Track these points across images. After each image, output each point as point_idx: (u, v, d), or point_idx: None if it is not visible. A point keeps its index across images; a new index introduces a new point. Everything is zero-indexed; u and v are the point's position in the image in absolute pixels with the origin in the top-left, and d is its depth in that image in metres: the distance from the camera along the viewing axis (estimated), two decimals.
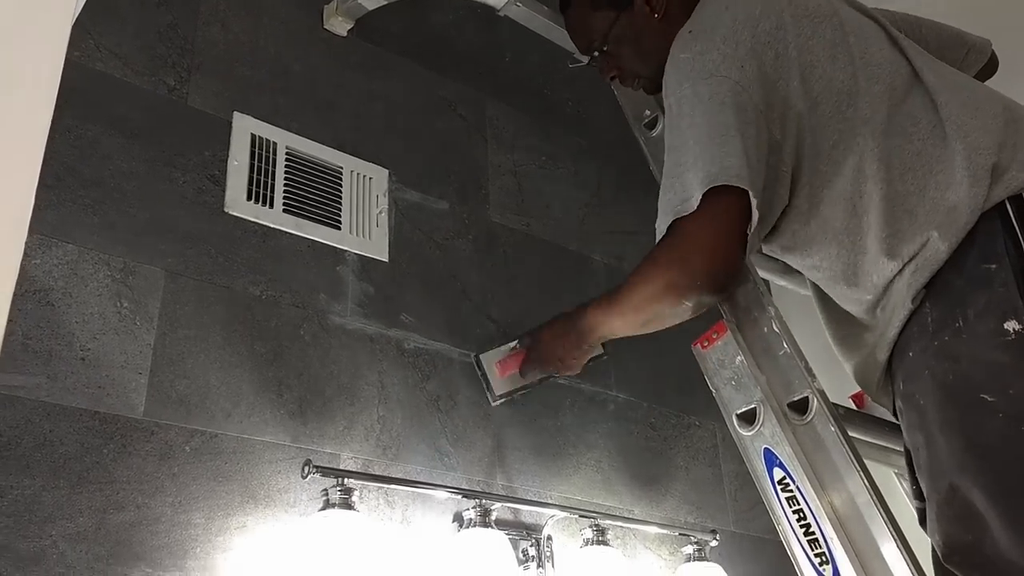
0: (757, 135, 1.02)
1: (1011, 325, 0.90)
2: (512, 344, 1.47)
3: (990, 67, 1.32)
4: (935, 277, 0.98)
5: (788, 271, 1.26)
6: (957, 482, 0.90)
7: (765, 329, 1.11)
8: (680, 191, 1.02)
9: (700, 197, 0.99)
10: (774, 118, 1.04)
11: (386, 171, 1.61)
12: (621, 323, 1.16)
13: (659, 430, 1.77)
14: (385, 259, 1.53)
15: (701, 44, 1.06)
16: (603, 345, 1.35)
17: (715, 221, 1.00)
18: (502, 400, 1.46)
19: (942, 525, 0.93)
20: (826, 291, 1.13)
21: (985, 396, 0.89)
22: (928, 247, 0.98)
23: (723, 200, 0.99)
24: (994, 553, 0.86)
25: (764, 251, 1.20)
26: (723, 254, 1.02)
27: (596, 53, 1.25)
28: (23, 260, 1.14)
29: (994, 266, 0.93)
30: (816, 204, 1.06)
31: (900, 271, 1.00)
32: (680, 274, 1.03)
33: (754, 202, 0.99)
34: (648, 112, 1.39)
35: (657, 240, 1.05)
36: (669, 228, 1.03)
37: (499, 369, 1.45)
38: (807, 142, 1.05)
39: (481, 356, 1.48)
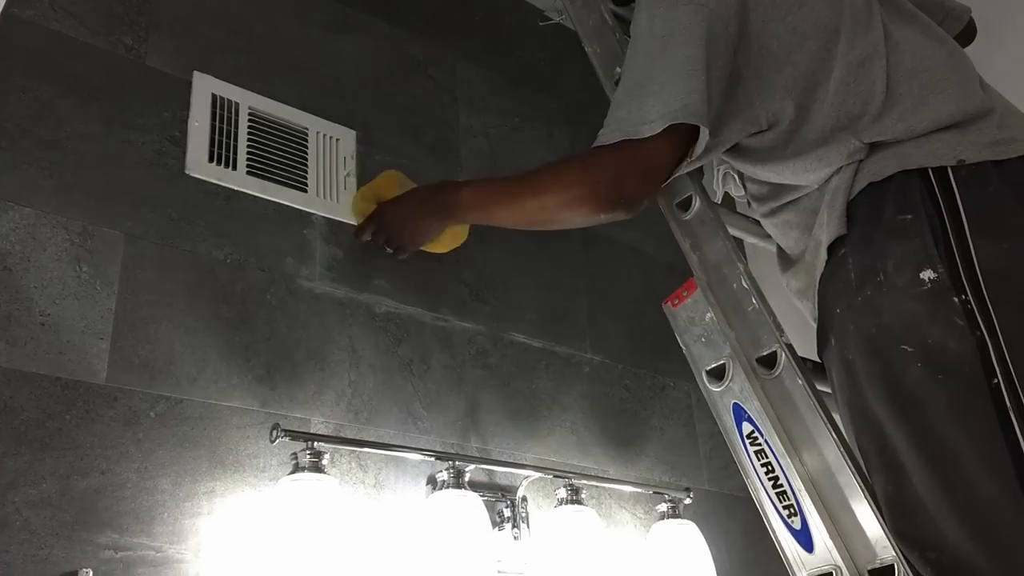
0: (722, 68, 1.02)
1: (926, 274, 0.90)
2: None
3: (966, 34, 1.31)
4: (854, 230, 0.99)
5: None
6: (886, 432, 0.91)
7: (735, 285, 1.11)
8: (638, 113, 1.02)
9: (660, 128, 1.00)
10: (747, 50, 1.04)
11: (353, 132, 1.58)
12: (507, 214, 1.15)
13: (634, 391, 1.77)
14: (354, 222, 1.51)
15: None
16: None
17: (665, 152, 1.02)
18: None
19: (874, 476, 0.94)
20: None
21: (905, 347, 0.90)
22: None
23: (677, 135, 1.01)
24: (913, 496, 0.88)
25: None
26: (653, 183, 1.04)
27: None
28: None
29: (910, 216, 0.94)
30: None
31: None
32: (609, 190, 1.04)
33: (703, 134, 1.01)
34: (619, 71, 1.37)
35: (595, 145, 1.05)
36: (614, 143, 1.04)
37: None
38: (785, 72, 1.05)
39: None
